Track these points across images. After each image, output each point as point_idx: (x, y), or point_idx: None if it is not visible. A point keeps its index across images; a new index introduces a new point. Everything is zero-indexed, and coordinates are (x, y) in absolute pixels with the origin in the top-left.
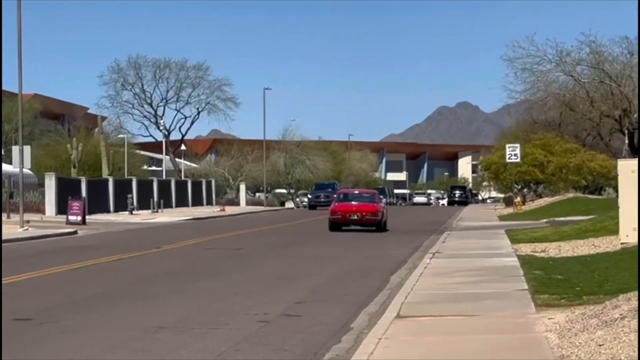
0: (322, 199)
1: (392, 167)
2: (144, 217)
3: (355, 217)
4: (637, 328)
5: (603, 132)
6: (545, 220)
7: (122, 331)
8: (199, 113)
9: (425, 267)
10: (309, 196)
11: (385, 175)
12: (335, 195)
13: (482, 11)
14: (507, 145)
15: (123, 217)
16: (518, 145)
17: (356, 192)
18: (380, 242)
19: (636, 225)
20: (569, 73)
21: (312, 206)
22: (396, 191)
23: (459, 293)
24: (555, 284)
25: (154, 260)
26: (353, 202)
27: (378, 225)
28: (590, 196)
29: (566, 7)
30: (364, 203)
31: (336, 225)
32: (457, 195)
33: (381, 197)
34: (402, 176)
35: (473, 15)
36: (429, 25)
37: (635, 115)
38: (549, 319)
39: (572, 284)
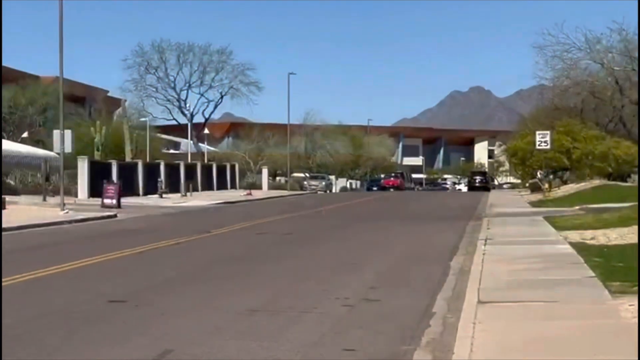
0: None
1: (409, 151)
2: (174, 200)
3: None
4: None
5: (625, 119)
6: (578, 207)
7: (218, 313)
8: (222, 97)
9: (483, 254)
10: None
11: (402, 160)
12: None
13: None
14: (537, 132)
15: (153, 200)
16: (548, 132)
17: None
18: (420, 228)
19: None
20: (600, 61)
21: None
22: (413, 176)
23: (530, 279)
24: (620, 271)
25: (211, 245)
26: (391, 179)
27: (400, 188)
28: (621, 183)
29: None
30: (395, 179)
31: (384, 188)
32: (477, 181)
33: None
34: (418, 161)
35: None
36: (445, 10)
37: None
38: (630, 305)
39: (636, 270)
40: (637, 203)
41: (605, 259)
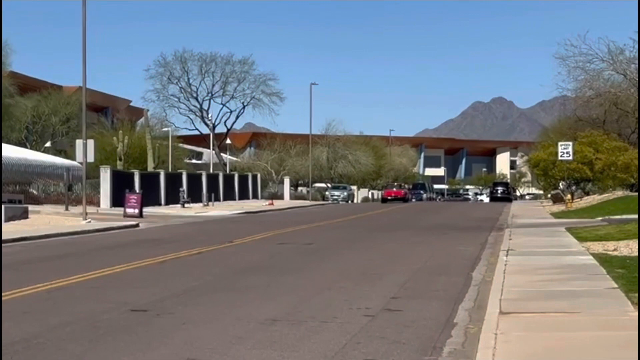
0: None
1: (431, 162)
2: (196, 210)
3: (394, 196)
4: None
5: None
6: (600, 218)
7: (239, 323)
8: (244, 107)
9: (505, 265)
10: None
11: (424, 171)
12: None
13: (517, 6)
14: (560, 143)
15: (176, 210)
16: (571, 143)
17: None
18: (443, 239)
19: None
20: (623, 72)
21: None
22: (435, 186)
23: (552, 290)
24: None
25: (233, 254)
26: (393, 189)
27: (405, 200)
28: None
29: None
30: (398, 190)
31: (385, 200)
32: (499, 192)
33: (421, 191)
34: (440, 171)
35: (508, 11)
36: (467, 22)
37: None
38: None
39: None
40: None
41: (628, 270)
